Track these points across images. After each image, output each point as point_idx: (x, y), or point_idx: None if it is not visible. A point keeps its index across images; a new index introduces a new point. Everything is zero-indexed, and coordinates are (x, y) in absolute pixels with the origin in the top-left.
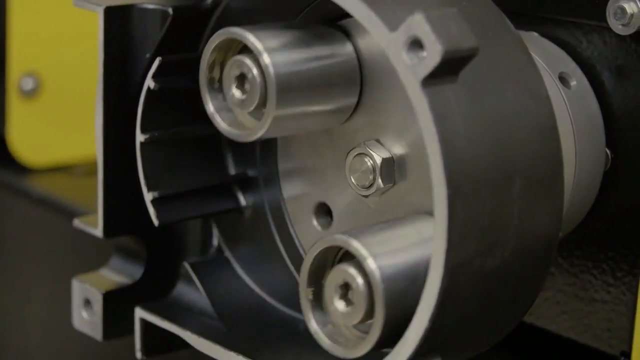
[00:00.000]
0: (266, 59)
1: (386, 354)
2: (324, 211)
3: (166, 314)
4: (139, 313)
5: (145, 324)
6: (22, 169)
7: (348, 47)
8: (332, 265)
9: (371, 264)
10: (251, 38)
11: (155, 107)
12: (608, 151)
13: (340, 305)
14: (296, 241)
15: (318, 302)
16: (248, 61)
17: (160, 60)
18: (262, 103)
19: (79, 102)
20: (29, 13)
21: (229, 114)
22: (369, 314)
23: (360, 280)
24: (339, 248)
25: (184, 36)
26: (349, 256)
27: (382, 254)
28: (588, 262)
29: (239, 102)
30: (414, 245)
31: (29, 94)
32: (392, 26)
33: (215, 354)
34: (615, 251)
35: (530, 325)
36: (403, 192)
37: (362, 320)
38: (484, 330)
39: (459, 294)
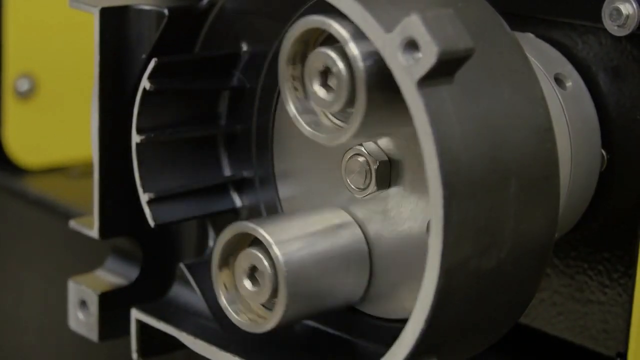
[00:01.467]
0: (354, 48)
1: (382, 354)
2: None
3: (162, 315)
4: (135, 314)
5: (141, 325)
6: (17, 170)
7: None
8: (244, 248)
9: (275, 250)
10: (335, 25)
11: (151, 108)
12: (604, 152)
13: (248, 284)
14: None
15: (230, 282)
16: (332, 53)
17: (156, 61)
18: (350, 102)
19: (75, 103)
20: (24, 14)
21: (312, 115)
22: (275, 293)
23: (266, 263)
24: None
25: (180, 37)
26: (259, 241)
27: (285, 241)
28: (584, 263)
29: (323, 102)
30: (319, 232)
31: (25, 95)
32: (388, 27)
33: (211, 355)
34: (611, 252)
35: (526, 326)
36: (398, 195)
37: (269, 299)
38: (480, 331)
39: (455, 295)
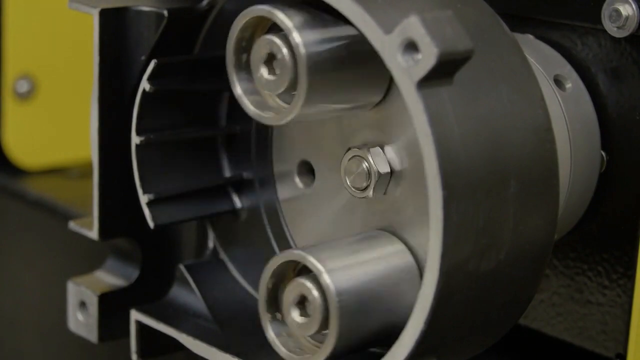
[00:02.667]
0: (296, 37)
1: (382, 355)
2: None
3: (162, 316)
4: (135, 315)
5: (140, 326)
6: (17, 172)
7: None
8: (292, 277)
9: (326, 279)
10: (280, 15)
11: (151, 110)
12: (603, 153)
13: (296, 316)
14: (292, 243)
15: (276, 312)
16: (277, 40)
17: (155, 63)
18: (292, 85)
19: (74, 104)
20: (24, 15)
21: (257, 97)
22: (324, 325)
23: (316, 293)
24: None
25: (179, 38)
26: (307, 269)
27: (337, 269)
28: (583, 265)
29: (267, 84)
30: (371, 261)
31: (24, 97)
32: (387, 29)
33: (210, 356)
34: (611, 253)
35: (526, 327)
36: (395, 200)
37: (318, 331)
38: (479, 332)
39: (454, 296)
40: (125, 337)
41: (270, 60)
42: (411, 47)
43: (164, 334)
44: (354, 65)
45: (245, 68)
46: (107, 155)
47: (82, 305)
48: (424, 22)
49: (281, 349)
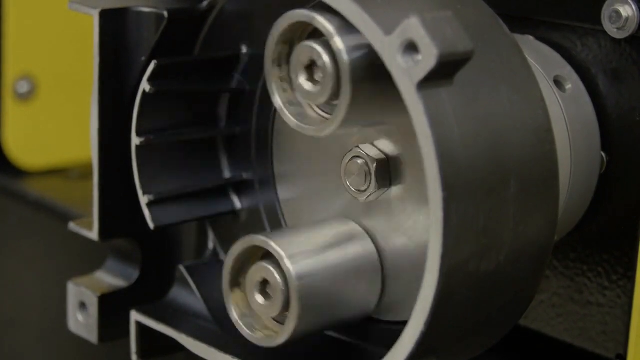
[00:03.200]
0: (339, 42)
1: (382, 356)
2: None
3: (162, 316)
4: (135, 316)
5: (140, 326)
6: (17, 172)
7: None
8: (256, 260)
9: (287, 264)
10: (321, 19)
11: (151, 110)
12: (603, 154)
13: (259, 298)
14: None
15: (241, 295)
16: (318, 47)
17: (155, 64)
18: (334, 94)
19: (75, 105)
20: (24, 16)
21: (298, 107)
22: (286, 307)
23: (277, 276)
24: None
25: (180, 39)
26: (269, 254)
27: (297, 254)
28: (583, 265)
29: (308, 94)
30: (330, 246)
31: (24, 97)
32: (387, 29)
33: (210, 357)
34: (611, 254)
35: (526, 328)
36: (399, 196)
37: (281, 313)
38: (479, 333)
39: (455, 297)
40: (125, 337)
41: (311, 68)
42: (411, 48)
43: (164, 335)
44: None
45: (283, 78)
46: (107, 156)
47: (82, 305)
48: (424, 23)
49: (244, 329)
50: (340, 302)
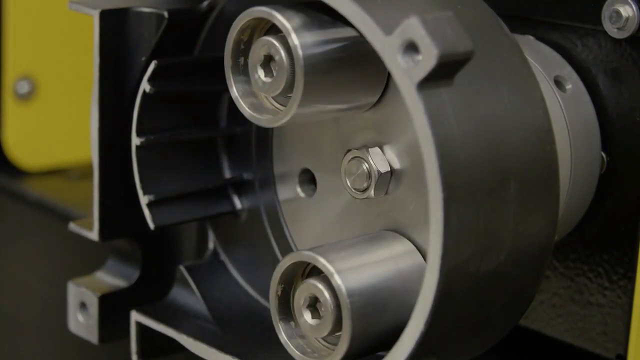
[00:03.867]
0: (295, 39)
1: (383, 356)
2: None
3: (162, 317)
4: (135, 316)
5: (141, 327)
6: (17, 172)
7: None
8: (302, 278)
9: (337, 280)
10: (279, 16)
11: (151, 111)
12: (603, 154)
13: (308, 318)
14: (292, 244)
15: (288, 313)
16: (276, 42)
17: (155, 64)
18: (289, 87)
19: (75, 105)
20: (24, 16)
21: (254, 99)
22: (337, 326)
23: (327, 294)
24: (307, 262)
25: (180, 39)
26: (317, 270)
27: (347, 270)
28: (584, 266)
29: (264, 86)
30: (381, 261)
31: (25, 97)
32: (388, 30)
33: (210, 357)
34: (611, 254)
35: (526, 328)
36: (397, 200)
37: (331, 333)
38: (479, 333)
39: (455, 298)
40: (126, 338)
41: (268, 62)
42: (411, 48)
43: (164, 335)
44: (350, 67)
45: (242, 70)
46: (107, 156)
47: (83, 306)
48: (424, 23)
49: (295, 352)
50: (392, 319)
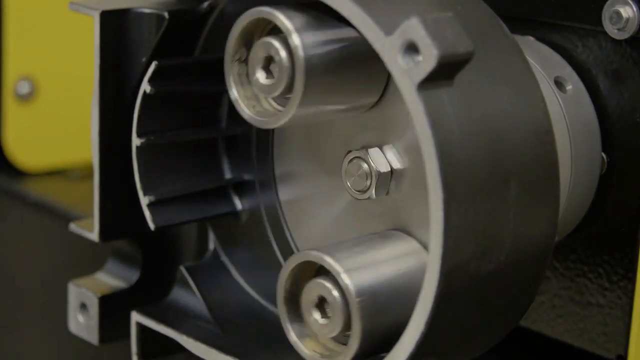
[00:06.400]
0: (296, 39)
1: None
2: None
3: (162, 317)
4: (135, 317)
5: (141, 327)
6: (18, 173)
7: None
8: (308, 278)
9: (345, 279)
10: (281, 17)
11: (152, 111)
12: (604, 155)
13: (317, 317)
14: (292, 245)
15: (297, 313)
16: (276, 43)
17: (156, 65)
18: (288, 88)
19: (75, 106)
20: (24, 17)
21: (253, 100)
22: (347, 325)
23: (335, 293)
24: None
25: (180, 40)
26: (324, 270)
27: (355, 269)
28: (584, 266)
29: (264, 87)
30: (388, 260)
31: (25, 98)
32: (388, 30)
33: (211, 358)
34: (611, 255)
35: (526, 329)
36: (398, 199)
37: (341, 332)
38: (479, 334)
39: (455, 298)
40: (126, 338)
41: (268, 63)
42: (411, 48)
43: (165, 336)
44: (350, 67)
45: (242, 71)
46: (107, 156)
47: (83, 307)
48: (424, 24)
49: (305, 352)
50: (401, 317)
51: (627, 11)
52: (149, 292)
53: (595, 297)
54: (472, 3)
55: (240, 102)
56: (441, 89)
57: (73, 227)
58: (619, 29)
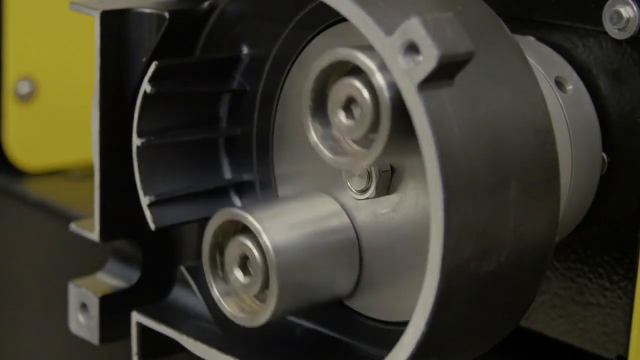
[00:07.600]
0: (380, 79)
1: (383, 357)
2: None
3: (163, 317)
4: (136, 317)
5: (141, 327)
6: (18, 173)
7: None
8: (233, 236)
9: (264, 238)
10: (362, 57)
11: (152, 111)
12: (604, 155)
13: (240, 275)
14: None
15: (221, 272)
16: (358, 84)
17: (156, 65)
18: (371, 129)
19: (75, 106)
20: (25, 17)
21: (332, 142)
22: (267, 284)
23: (256, 252)
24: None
25: (180, 40)
26: (248, 229)
27: (275, 228)
28: (584, 266)
29: (346, 129)
30: (308, 220)
31: (25, 98)
32: (388, 30)
33: (211, 358)
34: (611, 255)
35: (527, 329)
36: (397, 200)
37: (261, 290)
38: (480, 334)
39: (455, 298)
40: (127, 338)
41: (349, 104)
42: (412, 48)
43: (165, 336)
44: None
45: (321, 114)
46: (108, 156)
47: (83, 307)
48: (424, 24)
49: (226, 308)
50: (318, 280)
51: (627, 11)
52: (149, 292)
53: (596, 297)
54: (472, 3)
55: (320, 145)
56: (441, 89)
57: (73, 227)
58: (619, 29)
